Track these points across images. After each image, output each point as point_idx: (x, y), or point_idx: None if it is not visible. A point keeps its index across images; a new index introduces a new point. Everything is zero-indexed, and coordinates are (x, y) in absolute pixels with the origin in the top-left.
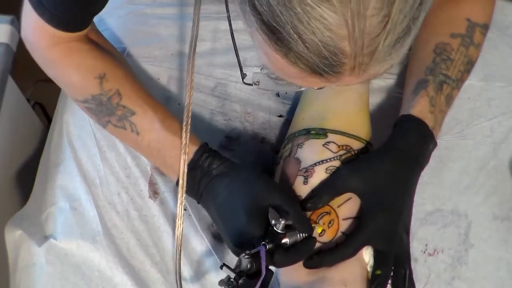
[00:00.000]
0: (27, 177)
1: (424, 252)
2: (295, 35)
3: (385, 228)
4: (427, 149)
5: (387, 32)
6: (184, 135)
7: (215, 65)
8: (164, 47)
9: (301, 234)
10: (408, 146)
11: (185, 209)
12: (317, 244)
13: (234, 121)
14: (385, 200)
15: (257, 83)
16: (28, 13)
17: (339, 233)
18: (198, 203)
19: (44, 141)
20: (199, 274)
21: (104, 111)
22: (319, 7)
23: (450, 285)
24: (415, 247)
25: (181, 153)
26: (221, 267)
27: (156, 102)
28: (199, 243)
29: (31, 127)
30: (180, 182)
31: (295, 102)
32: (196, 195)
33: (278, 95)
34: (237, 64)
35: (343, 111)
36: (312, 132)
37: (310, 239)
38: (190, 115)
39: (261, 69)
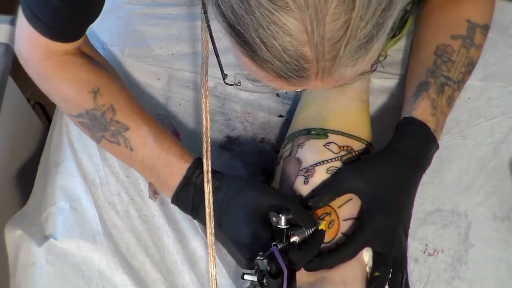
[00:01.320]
0: (27, 177)
1: (424, 252)
2: (257, 39)
3: (385, 229)
4: (429, 151)
5: (348, 38)
6: (205, 162)
7: (215, 65)
8: (164, 47)
9: (308, 231)
10: (409, 148)
11: None
12: None
13: (234, 121)
14: (386, 202)
15: (239, 84)
16: (23, 27)
17: (340, 234)
18: (194, 219)
19: (44, 141)
20: (199, 274)
21: (98, 126)
22: (278, 12)
23: (450, 285)
24: (415, 247)
25: (204, 182)
26: (242, 277)
27: (149, 117)
28: (199, 243)
29: (31, 127)
30: (207, 210)
31: (295, 102)
32: (191, 212)
33: (278, 95)
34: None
35: (344, 111)
36: (313, 132)
37: (319, 232)
38: (209, 141)
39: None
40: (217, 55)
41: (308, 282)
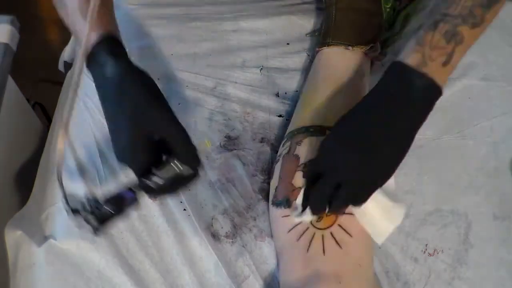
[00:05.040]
0: (27, 177)
1: (424, 252)
2: None
3: (347, 155)
4: (411, 84)
5: None
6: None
7: (214, 66)
8: (164, 47)
9: (180, 168)
10: (382, 86)
11: (184, 209)
12: (312, 229)
13: (234, 121)
14: (349, 132)
15: None
16: None
17: (336, 225)
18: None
19: (44, 141)
20: (198, 274)
21: None
22: None
23: (450, 285)
24: (415, 247)
25: None
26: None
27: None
28: (199, 243)
29: (31, 127)
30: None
31: (295, 102)
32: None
33: (277, 95)
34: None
35: (342, 109)
36: (311, 130)
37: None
38: None
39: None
40: None
41: (303, 276)
